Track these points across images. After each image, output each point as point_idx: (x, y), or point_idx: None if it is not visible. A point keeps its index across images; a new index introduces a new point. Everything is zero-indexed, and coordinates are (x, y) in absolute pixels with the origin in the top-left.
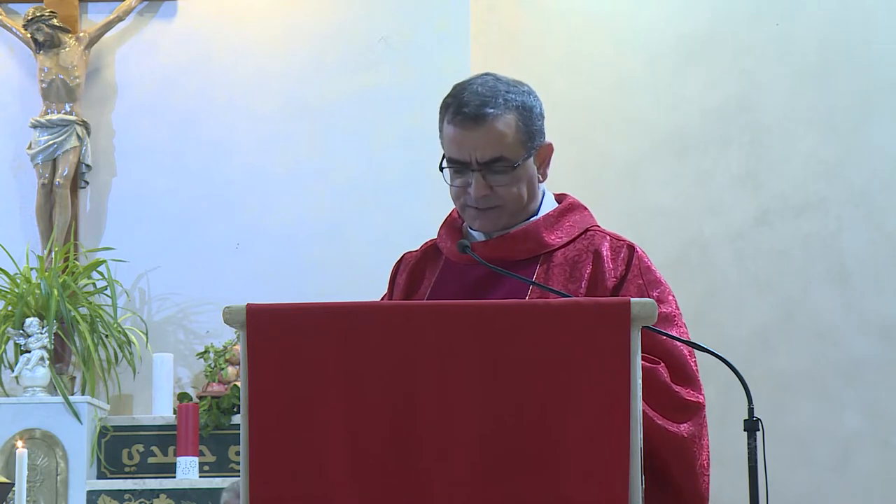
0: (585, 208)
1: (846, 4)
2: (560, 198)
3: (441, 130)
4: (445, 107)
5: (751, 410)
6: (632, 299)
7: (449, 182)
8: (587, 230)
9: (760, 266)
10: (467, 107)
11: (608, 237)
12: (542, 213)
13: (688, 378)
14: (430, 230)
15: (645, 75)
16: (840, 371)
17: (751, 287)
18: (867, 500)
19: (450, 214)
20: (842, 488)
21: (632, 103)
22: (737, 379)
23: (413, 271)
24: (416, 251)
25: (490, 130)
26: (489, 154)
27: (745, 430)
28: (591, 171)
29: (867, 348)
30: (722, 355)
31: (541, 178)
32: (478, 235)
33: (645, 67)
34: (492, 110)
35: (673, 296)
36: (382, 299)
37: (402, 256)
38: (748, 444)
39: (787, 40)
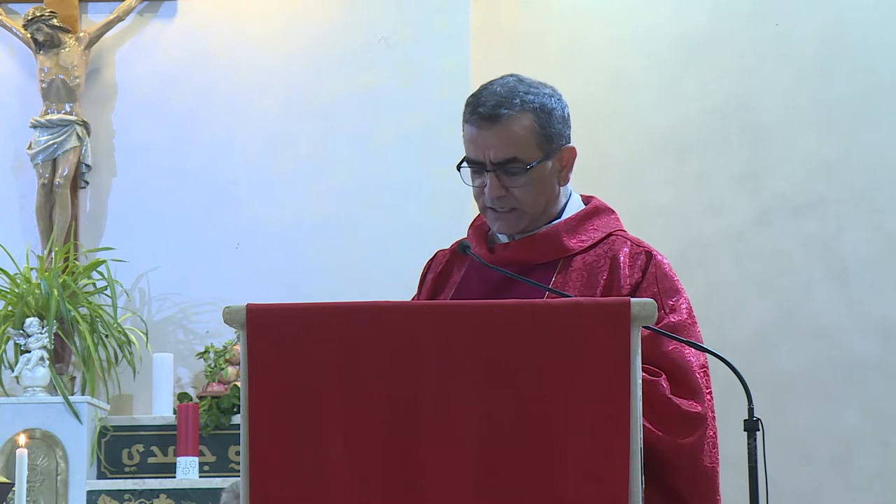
0: (612, 212)
1: (846, 4)
2: (587, 200)
3: (463, 130)
4: (466, 106)
5: (751, 410)
6: (632, 299)
7: (468, 183)
8: (610, 234)
9: (760, 266)
10: (483, 106)
11: (629, 243)
12: (565, 215)
13: (690, 389)
14: (429, 230)
15: (645, 75)
16: (840, 371)
17: (751, 287)
18: (867, 500)
19: (479, 216)
20: (842, 488)
21: (632, 103)
22: (737, 379)
23: (442, 271)
24: (447, 250)
25: (503, 131)
26: (502, 154)
27: (745, 430)
28: (591, 171)
29: (867, 348)
30: (722, 355)
31: (562, 182)
32: (501, 238)
33: (645, 67)
34: (506, 111)
35: (688, 305)
36: (414, 298)
37: (435, 255)
38: (748, 444)
39: (787, 40)
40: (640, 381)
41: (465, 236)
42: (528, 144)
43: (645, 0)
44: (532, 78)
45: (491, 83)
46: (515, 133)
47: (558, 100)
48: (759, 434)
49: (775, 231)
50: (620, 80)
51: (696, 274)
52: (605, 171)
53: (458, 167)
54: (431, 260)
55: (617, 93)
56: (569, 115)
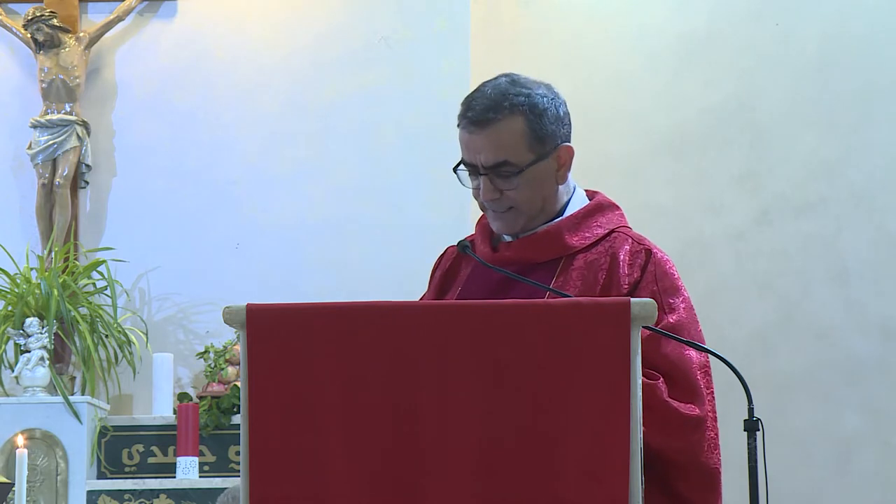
0: (617, 208)
1: (846, 4)
2: (592, 195)
3: (458, 132)
4: (460, 107)
5: (751, 410)
6: (632, 299)
7: (465, 184)
8: (613, 231)
9: (760, 266)
10: (472, 111)
11: (630, 240)
12: (568, 212)
13: (690, 391)
14: (430, 230)
15: (645, 75)
16: (840, 371)
17: (751, 287)
18: (867, 500)
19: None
20: (842, 488)
21: (632, 103)
22: (737, 379)
23: (450, 268)
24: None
25: (492, 135)
26: (492, 158)
27: (745, 430)
28: (591, 171)
29: (867, 348)
30: (722, 355)
31: (560, 181)
32: (505, 236)
33: (645, 67)
34: (494, 115)
35: (688, 304)
36: (423, 295)
37: (445, 250)
38: (748, 444)
39: (787, 40)
40: (640, 381)
41: (473, 233)
42: (519, 148)
43: (644, 0)
44: (528, 77)
45: (484, 85)
46: (504, 137)
47: (552, 99)
48: (759, 434)
49: (775, 231)
50: (620, 80)
51: (696, 274)
52: (605, 171)
53: (455, 170)
54: (441, 256)
55: (617, 93)
56: (566, 114)
